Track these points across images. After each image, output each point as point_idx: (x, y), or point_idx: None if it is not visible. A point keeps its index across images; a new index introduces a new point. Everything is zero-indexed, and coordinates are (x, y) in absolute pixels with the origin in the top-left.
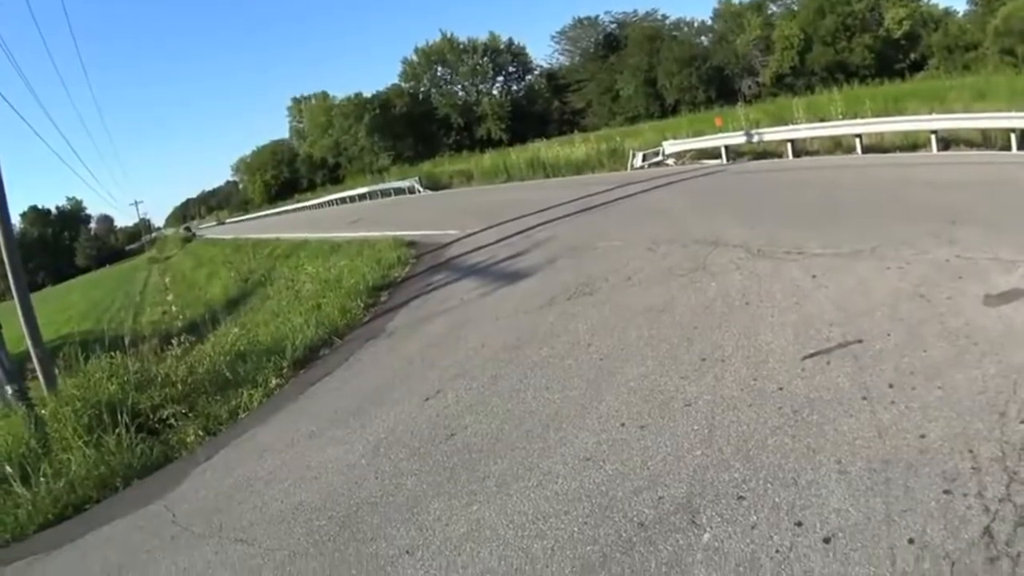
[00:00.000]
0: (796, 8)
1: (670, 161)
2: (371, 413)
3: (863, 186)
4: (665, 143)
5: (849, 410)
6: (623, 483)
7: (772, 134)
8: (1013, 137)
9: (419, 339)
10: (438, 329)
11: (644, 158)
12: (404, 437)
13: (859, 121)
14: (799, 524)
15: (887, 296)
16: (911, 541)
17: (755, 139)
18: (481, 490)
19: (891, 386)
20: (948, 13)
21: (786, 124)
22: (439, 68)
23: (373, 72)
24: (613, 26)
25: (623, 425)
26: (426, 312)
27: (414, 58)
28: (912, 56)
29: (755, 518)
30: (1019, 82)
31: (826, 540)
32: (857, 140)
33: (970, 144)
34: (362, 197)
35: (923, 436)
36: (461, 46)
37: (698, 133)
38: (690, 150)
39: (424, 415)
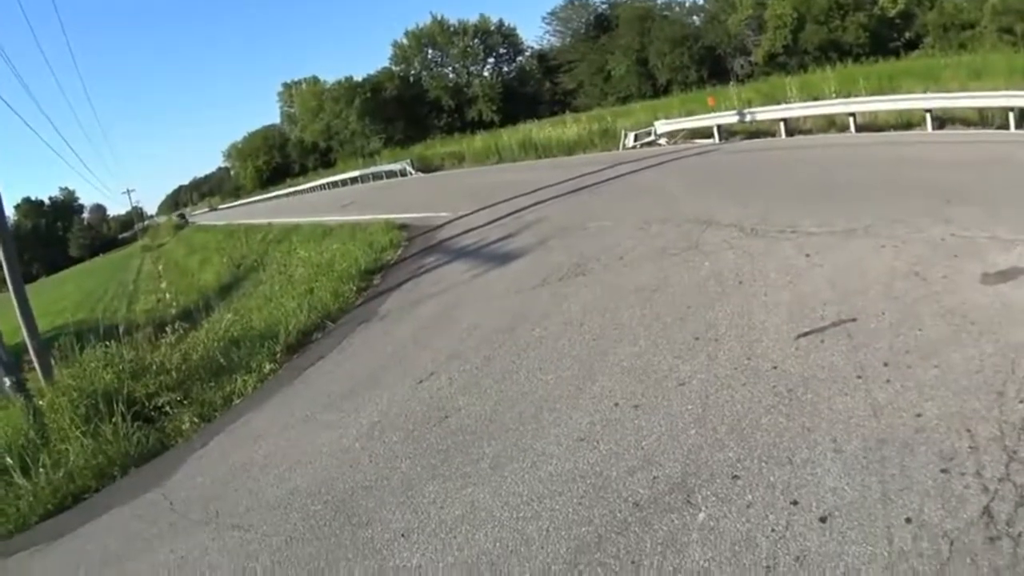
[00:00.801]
0: None
1: (662, 141)
2: (365, 396)
3: (857, 165)
4: (657, 123)
5: (844, 389)
6: (617, 463)
7: (765, 113)
8: (1011, 116)
9: (412, 322)
10: (431, 311)
11: (636, 138)
12: (398, 420)
13: (853, 100)
14: (795, 503)
15: (882, 275)
16: (908, 520)
17: (748, 118)
18: (475, 472)
19: (886, 365)
20: None
21: (779, 103)
22: (429, 51)
23: (364, 56)
24: (604, 7)
25: (617, 405)
26: (418, 294)
27: (404, 41)
28: (907, 35)
29: (750, 497)
30: (1018, 60)
31: (822, 519)
32: (851, 119)
33: (966, 123)
34: (354, 180)
35: (919, 415)
36: (451, 28)
37: (690, 113)
38: (682, 130)
39: (417, 398)
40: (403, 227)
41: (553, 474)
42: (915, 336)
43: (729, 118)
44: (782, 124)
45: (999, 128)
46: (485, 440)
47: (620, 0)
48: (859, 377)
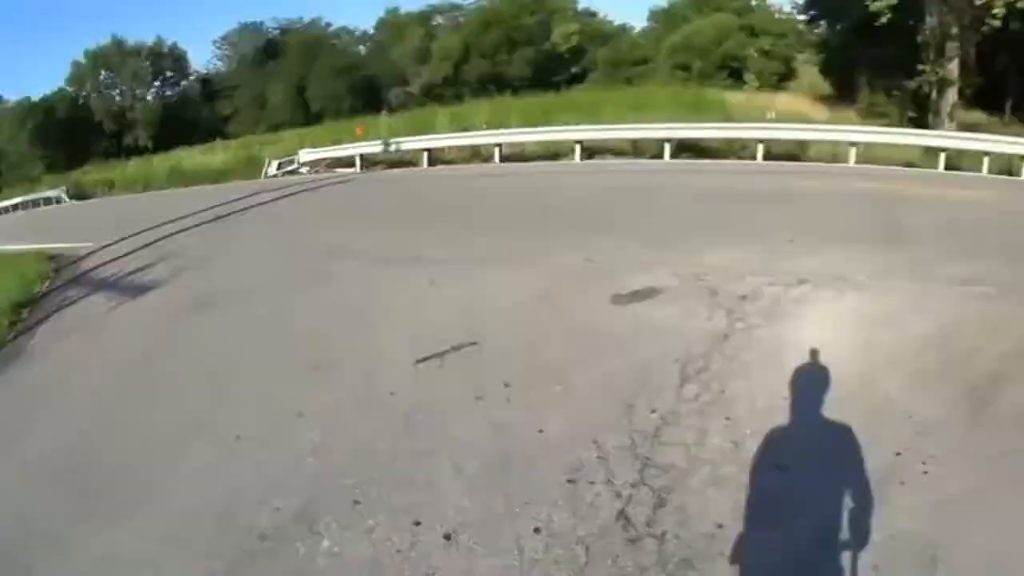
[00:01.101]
0: (463, 21)
1: (304, 170)
2: (11, 442)
3: (493, 193)
4: (301, 151)
5: (463, 411)
6: (241, 497)
7: (411, 143)
8: (667, 147)
9: (54, 358)
10: (71, 347)
11: (279, 166)
12: (39, 466)
13: (501, 131)
14: (417, 523)
15: (510, 300)
16: (537, 530)
17: (392, 148)
18: (113, 514)
19: (507, 385)
20: (625, 30)
21: (427, 134)
22: (103, 72)
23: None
24: (276, 32)
25: (238, 438)
26: (62, 328)
27: (83, 61)
28: (573, 69)
29: (372, 521)
30: (686, 95)
31: (447, 537)
32: (497, 149)
33: (619, 153)
34: (15, 208)
35: (541, 431)
36: (128, 50)
37: (337, 141)
38: (325, 159)
39: (62, 439)
40: (52, 257)
41: (183, 511)
42: (539, 357)
43: (373, 147)
44: (425, 154)
45: (653, 157)
46: (119, 481)
47: (293, 26)
48: (478, 399)
